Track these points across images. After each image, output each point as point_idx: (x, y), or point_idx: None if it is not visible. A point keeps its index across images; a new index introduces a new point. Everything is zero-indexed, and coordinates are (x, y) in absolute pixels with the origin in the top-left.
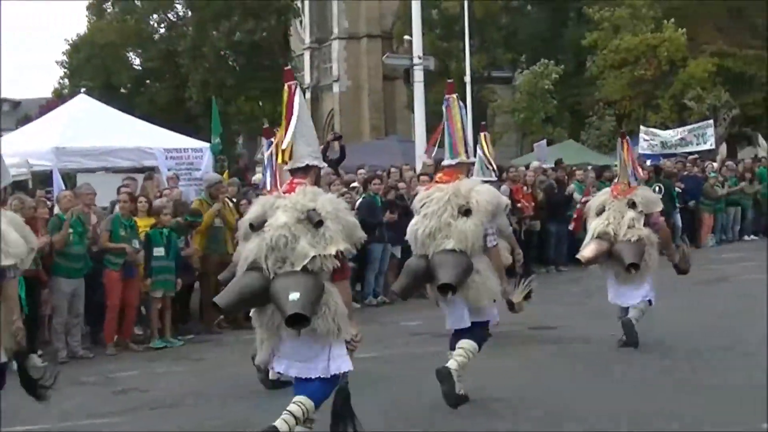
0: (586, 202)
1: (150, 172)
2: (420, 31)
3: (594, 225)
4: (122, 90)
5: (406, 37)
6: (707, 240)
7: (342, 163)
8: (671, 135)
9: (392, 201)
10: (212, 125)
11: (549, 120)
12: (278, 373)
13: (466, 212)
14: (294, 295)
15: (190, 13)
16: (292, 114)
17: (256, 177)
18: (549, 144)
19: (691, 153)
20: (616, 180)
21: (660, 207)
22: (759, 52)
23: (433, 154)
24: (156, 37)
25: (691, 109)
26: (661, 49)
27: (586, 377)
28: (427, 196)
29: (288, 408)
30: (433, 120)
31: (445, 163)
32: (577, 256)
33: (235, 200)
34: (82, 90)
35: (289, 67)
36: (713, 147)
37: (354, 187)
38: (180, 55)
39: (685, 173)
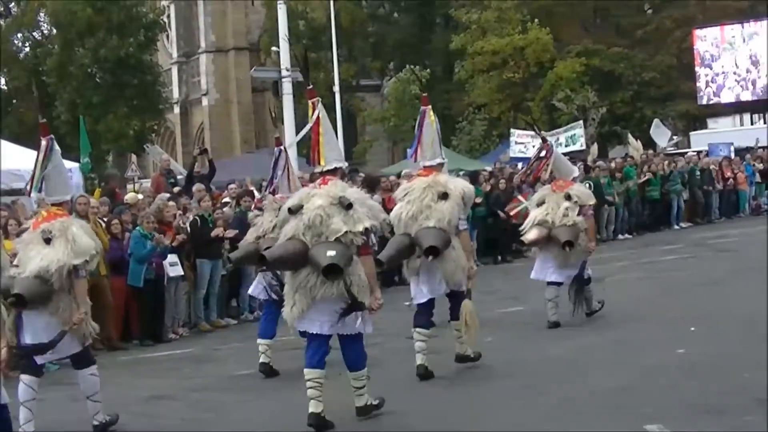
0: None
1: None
2: (287, 43)
3: (534, 214)
4: None
5: (274, 48)
6: None
7: (213, 178)
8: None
9: None
10: (81, 144)
11: None
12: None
13: (444, 196)
14: (331, 252)
15: (55, 31)
16: (319, 126)
17: (129, 196)
18: None
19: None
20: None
21: (593, 201)
22: (625, 51)
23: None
24: (21, 56)
25: (560, 110)
26: (528, 50)
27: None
28: (409, 186)
29: (354, 386)
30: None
31: (426, 163)
32: (521, 238)
33: (105, 220)
34: None
35: (311, 87)
36: (584, 147)
37: (226, 203)
38: (46, 74)
39: None
